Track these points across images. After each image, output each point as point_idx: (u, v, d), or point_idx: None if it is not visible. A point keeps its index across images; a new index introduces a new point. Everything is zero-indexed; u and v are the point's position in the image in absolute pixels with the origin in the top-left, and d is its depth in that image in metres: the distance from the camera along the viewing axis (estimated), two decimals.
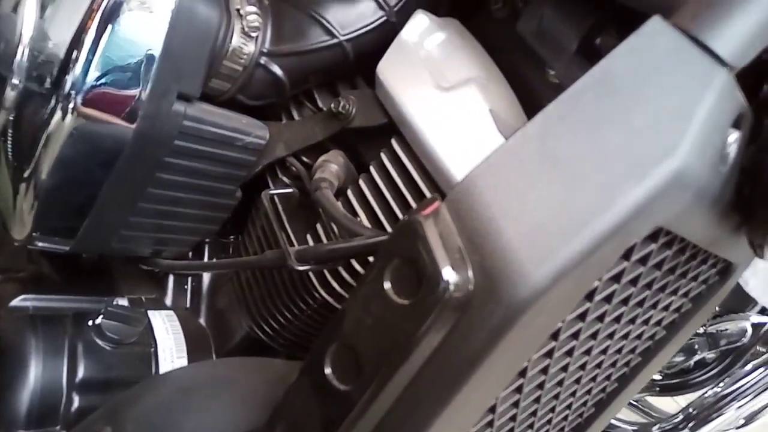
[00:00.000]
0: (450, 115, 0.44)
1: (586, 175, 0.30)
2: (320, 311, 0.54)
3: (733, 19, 0.32)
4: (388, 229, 0.47)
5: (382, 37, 0.51)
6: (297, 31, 0.49)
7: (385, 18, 0.50)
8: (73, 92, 0.43)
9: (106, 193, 0.48)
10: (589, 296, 0.37)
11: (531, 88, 0.50)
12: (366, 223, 0.48)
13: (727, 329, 1.08)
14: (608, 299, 0.40)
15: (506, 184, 0.31)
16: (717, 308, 1.07)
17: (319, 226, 0.52)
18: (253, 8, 0.48)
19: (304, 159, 0.55)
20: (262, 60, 0.50)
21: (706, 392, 1.29)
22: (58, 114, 0.44)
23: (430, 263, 0.30)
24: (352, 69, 0.53)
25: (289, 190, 0.53)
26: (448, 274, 0.30)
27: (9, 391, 0.53)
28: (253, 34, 0.48)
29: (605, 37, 0.44)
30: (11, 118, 0.47)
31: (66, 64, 0.42)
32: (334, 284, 0.51)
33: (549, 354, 0.40)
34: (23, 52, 0.45)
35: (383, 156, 0.48)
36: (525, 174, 0.31)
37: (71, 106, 0.44)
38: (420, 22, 0.49)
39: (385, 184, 0.47)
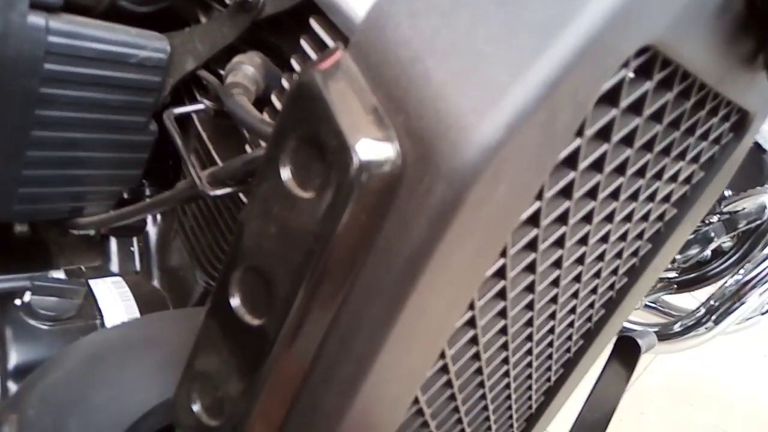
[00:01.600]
0: None
1: None
2: None
3: None
4: None
5: None
6: None
7: None
8: None
9: None
10: (571, 162, 0.29)
11: None
12: None
13: (744, 208, 0.99)
14: (598, 165, 0.31)
15: (428, 6, 0.22)
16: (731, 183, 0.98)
17: (248, 148, 0.44)
18: None
19: (220, 72, 0.46)
20: None
21: (726, 282, 1.22)
22: None
23: (335, 136, 0.21)
24: None
25: (199, 107, 0.44)
26: (363, 147, 0.21)
27: None
28: None
29: None
30: None
31: None
32: None
33: (532, 246, 0.32)
34: None
35: (303, 43, 0.38)
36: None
37: None
38: None
39: None
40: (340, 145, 0.21)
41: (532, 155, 0.23)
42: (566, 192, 0.31)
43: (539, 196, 0.28)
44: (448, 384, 0.36)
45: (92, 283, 0.56)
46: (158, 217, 0.62)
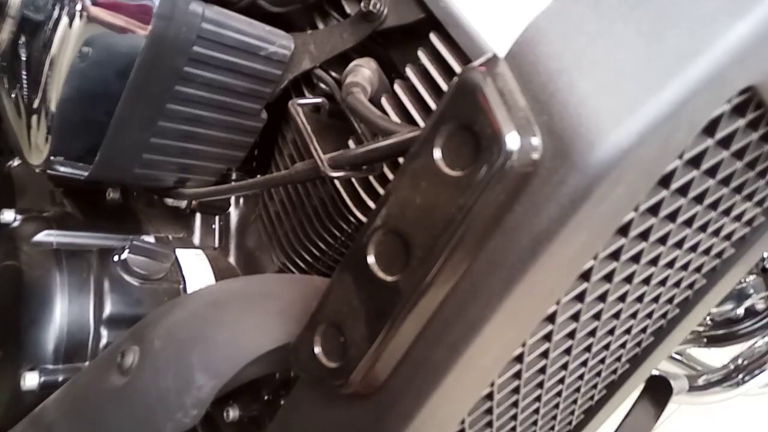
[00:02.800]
0: None
1: (675, 10, 0.25)
2: (354, 237, 0.50)
3: None
4: None
5: None
6: None
7: None
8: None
9: (122, 109, 0.45)
10: (665, 182, 0.32)
11: None
12: None
13: None
14: (683, 190, 0.35)
15: (578, 30, 0.26)
16: None
17: (351, 142, 0.48)
18: None
19: (332, 73, 0.51)
20: None
21: (756, 342, 1.23)
22: (65, 20, 0.41)
23: (489, 126, 0.26)
24: None
25: (319, 100, 0.49)
26: (512, 139, 0.25)
27: (35, 327, 0.51)
28: None
29: None
30: (14, 31, 0.43)
31: None
32: (369, 202, 0.47)
33: (615, 255, 0.35)
34: None
35: (421, 55, 0.43)
36: (600, 15, 0.26)
37: (79, 8, 0.40)
38: None
39: (426, 88, 0.43)
40: (494, 134, 0.25)
41: (647, 167, 0.27)
42: (653, 210, 0.34)
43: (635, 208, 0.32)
44: (517, 375, 0.40)
45: (178, 251, 0.61)
46: (241, 200, 0.67)
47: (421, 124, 0.43)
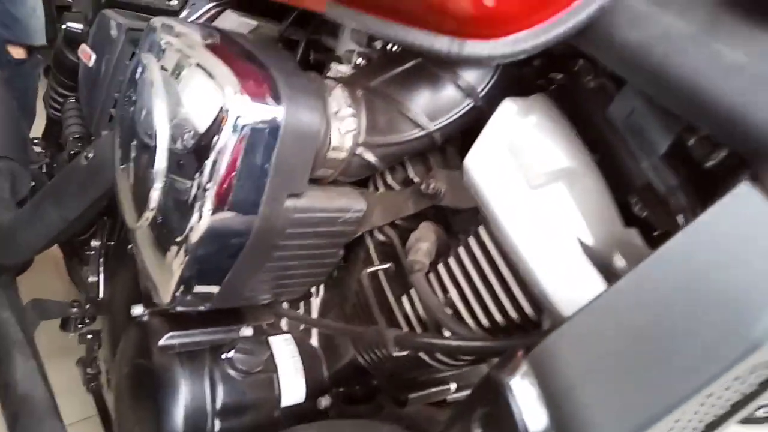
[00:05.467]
0: (536, 216, 0.46)
1: (673, 358, 0.32)
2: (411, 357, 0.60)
3: None
4: (477, 313, 0.51)
5: (471, 120, 0.53)
6: (389, 126, 0.52)
7: (472, 104, 0.52)
8: (206, 203, 0.50)
9: (234, 273, 0.56)
10: None
11: (621, 166, 0.50)
12: (456, 299, 0.53)
13: None
14: None
15: (588, 357, 0.34)
16: None
17: (413, 292, 0.58)
18: (349, 110, 0.51)
19: (398, 222, 0.60)
20: (359, 150, 0.54)
21: None
22: (195, 216, 0.52)
23: (516, 417, 0.35)
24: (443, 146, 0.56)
25: (387, 266, 0.58)
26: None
27: (167, 415, 0.66)
28: (351, 133, 0.52)
29: (698, 140, 0.43)
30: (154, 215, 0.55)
31: (200, 176, 0.49)
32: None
33: None
34: (163, 157, 0.52)
35: (471, 242, 0.51)
36: (606, 352, 0.34)
37: (206, 211, 0.51)
38: (506, 110, 0.50)
39: (474, 268, 0.51)
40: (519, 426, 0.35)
41: None
42: None
43: None
44: None
45: (271, 340, 0.73)
46: (321, 288, 0.78)
47: (471, 300, 0.52)
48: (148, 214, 0.55)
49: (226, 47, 0.53)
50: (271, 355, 0.72)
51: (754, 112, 0.34)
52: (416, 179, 0.58)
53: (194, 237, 0.53)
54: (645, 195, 0.47)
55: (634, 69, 0.40)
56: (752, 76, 0.35)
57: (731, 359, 0.31)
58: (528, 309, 0.48)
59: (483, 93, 0.52)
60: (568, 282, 0.44)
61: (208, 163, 0.47)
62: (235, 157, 0.47)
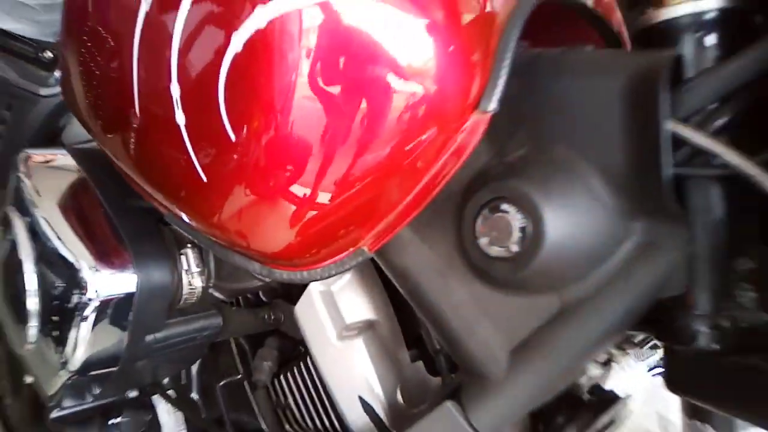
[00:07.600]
0: (340, 363, 0.60)
1: None
2: None
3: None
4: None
5: None
6: (234, 275, 0.63)
7: None
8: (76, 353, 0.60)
9: (105, 386, 0.67)
10: None
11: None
12: (293, 405, 0.67)
13: None
14: None
15: None
16: None
17: None
18: (196, 269, 0.62)
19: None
20: (210, 290, 0.65)
21: None
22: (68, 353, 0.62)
23: None
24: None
25: (238, 377, 0.71)
26: None
27: None
28: (200, 280, 0.63)
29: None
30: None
31: (64, 339, 0.59)
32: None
33: None
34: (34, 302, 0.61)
35: (302, 366, 0.65)
36: None
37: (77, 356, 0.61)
38: None
39: (303, 386, 0.65)
40: None
41: None
42: None
43: None
44: None
45: (154, 399, 0.86)
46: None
47: (304, 413, 0.66)
48: (29, 347, 0.64)
49: (81, 210, 0.61)
50: (155, 415, 0.84)
51: (467, 343, 0.48)
52: (265, 300, 0.70)
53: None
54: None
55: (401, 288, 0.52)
56: (473, 315, 0.48)
57: None
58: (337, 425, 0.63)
59: None
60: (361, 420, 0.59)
61: (74, 326, 0.57)
62: (95, 321, 0.57)
